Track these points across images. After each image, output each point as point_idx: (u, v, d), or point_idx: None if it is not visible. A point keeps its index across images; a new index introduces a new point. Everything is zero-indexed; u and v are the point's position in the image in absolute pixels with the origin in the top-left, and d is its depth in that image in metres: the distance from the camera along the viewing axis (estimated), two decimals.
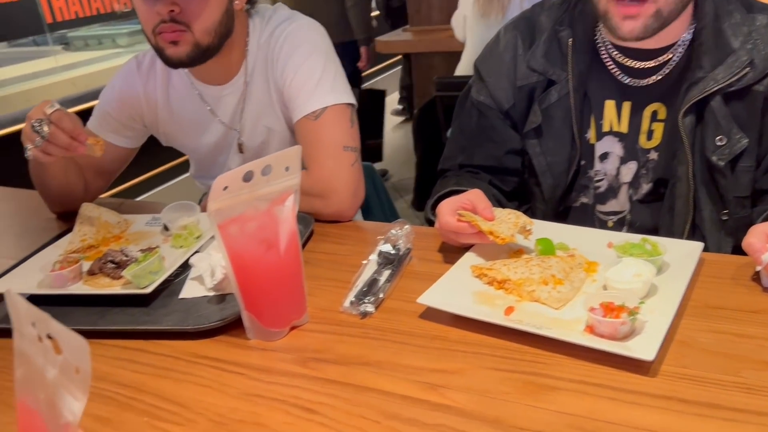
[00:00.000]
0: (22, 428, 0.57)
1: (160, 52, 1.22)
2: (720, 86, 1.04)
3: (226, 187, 0.83)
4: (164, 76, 1.38)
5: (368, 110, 3.69)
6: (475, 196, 1.06)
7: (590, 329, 0.81)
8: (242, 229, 0.87)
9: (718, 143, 1.06)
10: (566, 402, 0.73)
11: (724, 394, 0.71)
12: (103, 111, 1.43)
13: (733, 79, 1.04)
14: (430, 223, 1.20)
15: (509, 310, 0.88)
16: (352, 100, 1.29)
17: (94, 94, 2.58)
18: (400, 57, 6.18)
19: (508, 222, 1.00)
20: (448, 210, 1.04)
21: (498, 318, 0.86)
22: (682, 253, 0.94)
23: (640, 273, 0.87)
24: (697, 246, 0.95)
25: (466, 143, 1.29)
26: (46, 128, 1.14)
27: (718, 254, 1.04)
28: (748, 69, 1.04)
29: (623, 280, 0.87)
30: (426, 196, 1.65)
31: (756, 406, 0.69)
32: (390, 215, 1.80)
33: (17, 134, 1.34)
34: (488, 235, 0.98)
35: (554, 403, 0.72)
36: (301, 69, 1.26)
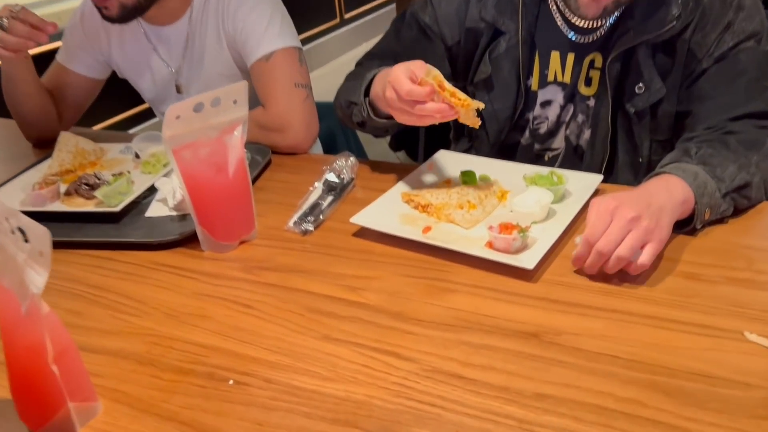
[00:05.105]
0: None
1: (98, 10, 1.36)
2: (647, 37, 1.12)
3: (178, 116, 0.95)
4: None
5: None
6: (423, 63, 1.01)
7: (490, 245, 0.96)
8: (195, 154, 0.99)
9: (637, 91, 1.16)
10: (458, 301, 0.87)
11: (586, 296, 0.86)
12: (68, 43, 1.56)
13: (662, 30, 1.11)
14: (359, 125, 1.24)
15: (426, 229, 1.02)
16: (298, 44, 1.41)
17: None
18: None
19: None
20: (404, 70, 0.97)
21: (416, 235, 1.00)
22: (583, 184, 1.08)
23: (540, 199, 1.01)
24: (597, 178, 1.09)
25: (400, 50, 1.30)
26: (5, 21, 1.28)
27: (617, 185, 1.17)
28: (675, 23, 1.11)
29: (525, 205, 1.01)
30: (403, 136, 1.65)
31: (608, 305, 0.84)
32: (355, 149, 1.91)
33: None
34: (450, 98, 0.95)
35: (448, 302, 0.87)
36: (250, 17, 1.38)
